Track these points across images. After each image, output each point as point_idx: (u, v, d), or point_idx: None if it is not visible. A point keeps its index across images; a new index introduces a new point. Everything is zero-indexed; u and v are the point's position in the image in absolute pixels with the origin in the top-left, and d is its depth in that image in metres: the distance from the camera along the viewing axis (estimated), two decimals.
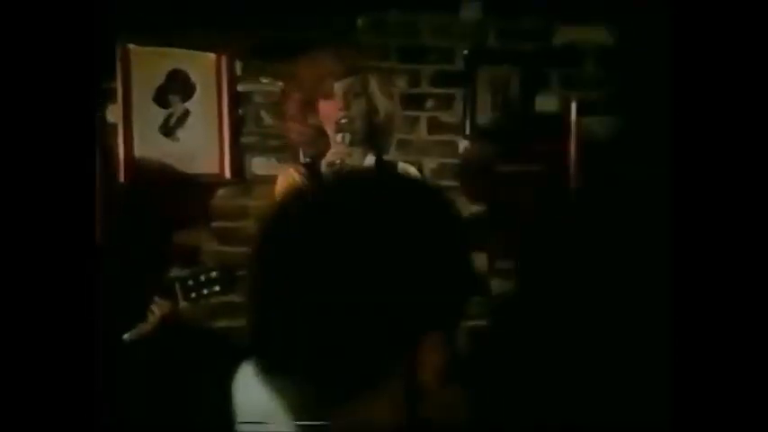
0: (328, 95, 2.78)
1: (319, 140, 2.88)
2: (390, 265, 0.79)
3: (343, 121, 2.73)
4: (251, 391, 0.85)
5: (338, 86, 2.76)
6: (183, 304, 2.71)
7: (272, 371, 0.84)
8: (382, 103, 2.86)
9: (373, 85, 2.86)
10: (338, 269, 0.79)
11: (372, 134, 2.85)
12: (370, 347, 0.78)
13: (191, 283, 2.69)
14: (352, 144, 2.74)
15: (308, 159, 3.07)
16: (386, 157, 2.98)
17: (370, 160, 2.86)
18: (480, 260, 3.11)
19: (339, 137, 2.73)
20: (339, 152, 2.73)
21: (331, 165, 2.71)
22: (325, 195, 0.88)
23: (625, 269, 2.88)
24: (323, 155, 2.85)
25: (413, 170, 2.99)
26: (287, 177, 2.90)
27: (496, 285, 3.12)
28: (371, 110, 2.83)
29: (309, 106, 2.88)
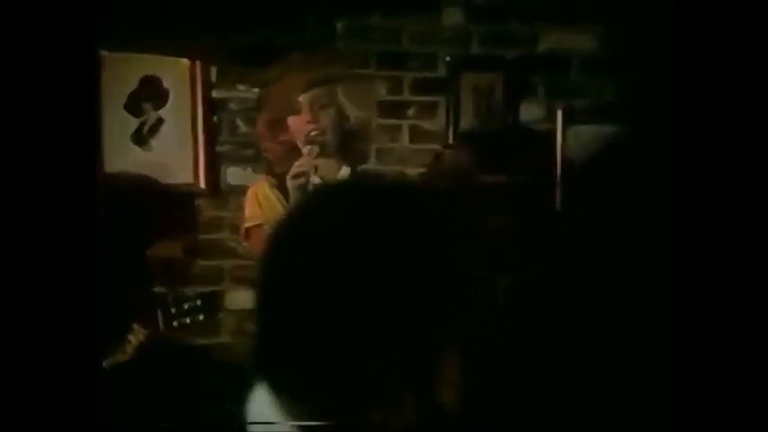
0: (296, 110, 2.79)
1: (292, 157, 2.85)
2: (392, 278, 0.80)
3: (313, 133, 2.74)
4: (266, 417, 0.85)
5: (304, 99, 2.78)
6: (163, 331, 2.69)
7: (284, 393, 0.84)
8: (353, 112, 2.86)
9: (341, 93, 2.85)
10: (343, 286, 0.80)
11: (346, 144, 2.85)
12: (380, 363, 0.79)
13: (173, 311, 2.68)
14: (320, 156, 2.74)
15: (248, 169, 3.15)
16: (363, 167, 2.98)
17: (345, 171, 2.84)
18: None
19: (307, 149, 2.74)
20: (303, 164, 2.72)
21: (296, 177, 2.70)
22: (323, 213, 0.88)
23: (621, 277, 2.91)
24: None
25: None
26: (257, 188, 2.91)
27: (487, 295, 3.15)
28: (342, 119, 2.83)
29: (279, 124, 2.88)
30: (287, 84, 2.89)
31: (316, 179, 2.72)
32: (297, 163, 2.74)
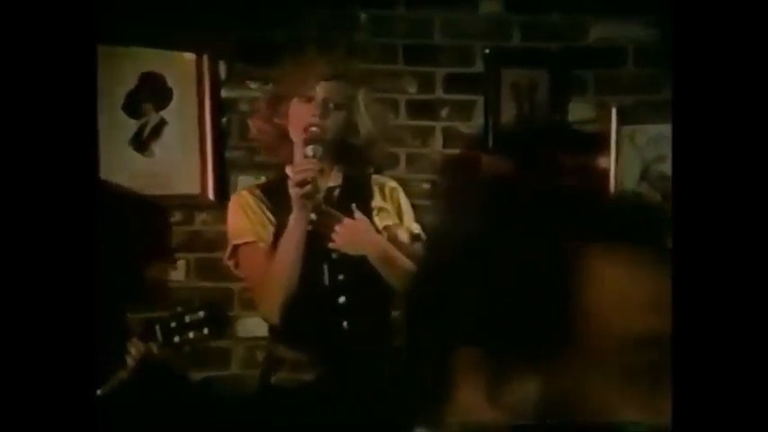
0: (307, 98, 2.69)
1: (280, 145, 2.80)
2: None
3: (313, 128, 2.64)
4: None
5: (319, 89, 2.68)
6: (164, 349, 2.68)
7: None
8: (365, 124, 2.78)
9: (361, 99, 2.78)
10: None
11: (344, 156, 2.78)
12: None
13: (173, 325, 2.65)
14: (321, 159, 2.64)
15: (262, 178, 3.01)
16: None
17: (336, 176, 2.80)
18: None
19: (309, 149, 2.63)
20: (308, 168, 2.60)
21: (302, 184, 2.58)
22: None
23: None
24: (281, 167, 2.80)
25: (392, 183, 2.90)
26: (240, 199, 2.82)
27: None
28: (350, 127, 2.75)
29: (281, 104, 2.77)
30: (307, 65, 2.79)
31: (323, 185, 2.68)
32: (299, 167, 2.63)
